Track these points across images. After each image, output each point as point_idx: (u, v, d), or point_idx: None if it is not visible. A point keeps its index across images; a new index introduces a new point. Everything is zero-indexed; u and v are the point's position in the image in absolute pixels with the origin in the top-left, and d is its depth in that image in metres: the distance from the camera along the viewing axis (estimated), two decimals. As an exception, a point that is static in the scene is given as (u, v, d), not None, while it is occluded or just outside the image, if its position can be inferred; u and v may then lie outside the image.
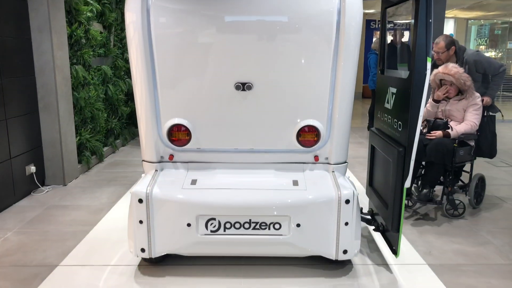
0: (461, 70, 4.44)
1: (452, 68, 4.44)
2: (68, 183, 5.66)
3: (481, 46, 17.66)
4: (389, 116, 3.54)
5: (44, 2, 5.11)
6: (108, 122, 7.27)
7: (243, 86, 3.11)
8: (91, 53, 6.35)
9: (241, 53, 3.06)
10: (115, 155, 7.28)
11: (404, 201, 3.20)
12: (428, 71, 2.94)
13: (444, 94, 4.51)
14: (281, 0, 2.99)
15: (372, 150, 3.94)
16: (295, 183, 3.21)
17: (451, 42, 4.87)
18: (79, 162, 6.14)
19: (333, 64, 3.07)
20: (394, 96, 3.42)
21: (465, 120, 4.44)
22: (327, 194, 3.07)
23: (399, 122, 3.27)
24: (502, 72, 4.83)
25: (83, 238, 3.96)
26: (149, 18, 2.99)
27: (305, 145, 3.26)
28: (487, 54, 13.18)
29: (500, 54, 16.69)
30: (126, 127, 8.16)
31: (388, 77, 3.66)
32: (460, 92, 4.51)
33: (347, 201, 3.04)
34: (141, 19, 2.96)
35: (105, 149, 7.11)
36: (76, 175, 5.93)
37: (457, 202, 4.49)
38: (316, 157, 3.34)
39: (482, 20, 18.32)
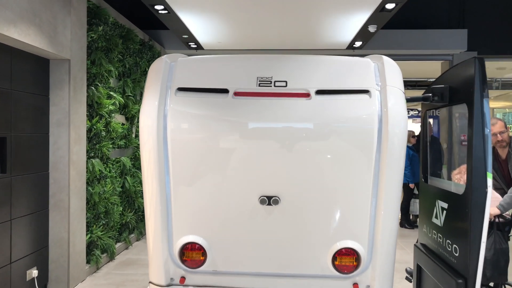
0: None
1: None
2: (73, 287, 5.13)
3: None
4: (439, 235, 3.01)
5: (66, 97, 5.00)
6: (123, 216, 6.88)
7: (269, 200, 2.68)
8: (110, 145, 6.15)
9: (266, 163, 2.68)
10: (128, 252, 6.78)
11: None
12: (490, 188, 2.48)
13: None
14: (312, 105, 2.66)
15: (419, 271, 3.36)
16: (331, 320, 2.64)
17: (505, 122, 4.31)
18: (88, 262, 5.66)
19: (375, 176, 2.65)
20: (444, 212, 2.92)
21: None
22: None
23: (455, 246, 2.74)
24: None
25: None
26: (166, 123, 2.69)
27: (342, 271, 2.73)
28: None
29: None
30: (142, 220, 7.73)
31: (434, 188, 3.20)
32: None
33: None
34: (156, 124, 2.66)
35: (118, 245, 6.64)
36: (83, 278, 5.41)
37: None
38: (356, 285, 2.79)
39: (507, 109, 18.41)
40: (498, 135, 4.18)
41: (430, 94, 3.02)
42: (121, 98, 6.50)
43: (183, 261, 2.80)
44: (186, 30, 7.24)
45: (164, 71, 2.75)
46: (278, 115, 2.68)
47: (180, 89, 2.74)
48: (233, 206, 2.75)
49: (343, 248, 2.72)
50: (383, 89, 2.63)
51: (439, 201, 3.04)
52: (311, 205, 2.71)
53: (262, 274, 2.84)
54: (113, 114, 6.31)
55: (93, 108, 5.75)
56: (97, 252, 5.78)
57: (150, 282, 2.92)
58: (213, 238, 2.79)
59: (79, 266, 5.31)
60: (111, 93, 6.24)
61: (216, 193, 2.74)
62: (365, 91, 2.66)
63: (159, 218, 2.76)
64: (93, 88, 5.64)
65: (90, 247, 5.76)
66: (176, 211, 2.77)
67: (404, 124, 2.60)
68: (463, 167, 2.90)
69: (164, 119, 2.69)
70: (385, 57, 2.75)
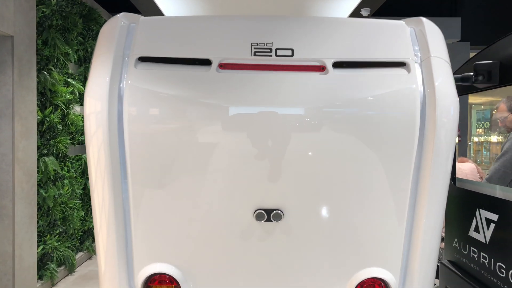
0: None
1: None
2: (18, 312, 4.26)
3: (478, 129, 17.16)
4: (483, 254, 2.34)
5: (8, 82, 4.11)
6: (86, 221, 6.01)
7: (268, 215, 1.94)
8: (68, 141, 5.27)
9: (264, 164, 1.93)
10: (91, 262, 5.92)
11: None
12: None
13: None
14: (327, 83, 1.92)
15: (449, 297, 2.68)
16: None
17: None
18: (40, 277, 4.79)
19: (413, 182, 1.94)
20: (493, 226, 2.25)
21: None
22: None
23: (512, 272, 2.06)
24: None
25: None
26: (122, 107, 1.90)
27: (365, 309, 2.02)
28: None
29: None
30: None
31: (470, 193, 2.52)
32: None
33: None
34: (107, 109, 1.87)
35: (79, 255, 5.78)
36: (33, 298, 4.55)
37: None
38: (382, 327, 2.08)
39: (482, 106, 18.18)
40: (499, 121, 3.56)
41: (472, 73, 2.34)
42: (81, 86, 5.61)
43: (148, 299, 2.03)
44: (158, 12, 6.45)
45: (120, 35, 1.96)
46: (280, 97, 1.92)
47: (142, 59, 1.95)
48: (217, 223, 1.99)
49: (367, 279, 2.00)
50: (426, 61, 1.92)
51: (481, 210, 2.36)
52: (325, 222, 1.98)
53: (257, 313, 2.09)
54: (71, 105, 5.43)
55: (46, 97, 4.87)
56: (52, 266, 4.92)
57: (103, 326, 2.13)
58: (190, 267, 2.02)
59: (28, 284, 4.44)
60: (69, 80, 5.36)
61: (194, 205, 1.97)
62: (401, 64, 1.93)
63: (113, 240, 1.97)
64: (45, 73, 4.76)
65: (44, 260, 4.90)
66: (137, 231, 1.99)
67: (455, 110, 1.90)
68: None
69: (119, 102, 1.90)
70: (425, 20, 2.04)
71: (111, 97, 1.87)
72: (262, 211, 1.94)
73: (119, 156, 1.92)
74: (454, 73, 2.05)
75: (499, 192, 2.34)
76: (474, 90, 2.54)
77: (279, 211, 1.94)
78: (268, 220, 1.94)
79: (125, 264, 2.03)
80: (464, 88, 2.59)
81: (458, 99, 1.91)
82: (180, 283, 2.00)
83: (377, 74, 1.92)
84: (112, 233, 1.97)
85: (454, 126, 1.90)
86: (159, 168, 1.94)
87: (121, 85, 1.90)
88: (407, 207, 1.96)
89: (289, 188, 1.94)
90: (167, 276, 2.01)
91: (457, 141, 3.18)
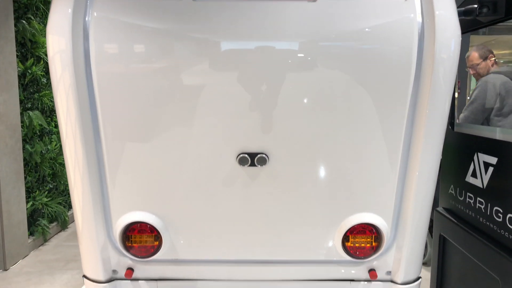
0: None
1: None
2: (10, 266, 4.24)
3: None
4: (479, 199, 2.24)
5: (-17, 31, 3.89)
6: (77, 178, 5.92)
7: (252, 159, 1.81)
8: (54, 95, 5.07)
9: (248, 105, 1.77)
10: (84, 219, 5.88)
11: None
12: None
13: None
14: (316, 12, 1.73)
15: (443, 244, 2.61)
16: (341, 322, 1.86)
17: (487, 51, 3.61)
18: (32, 234, 4.75)
19: (409, 122, 1.80)
20: (491, 169, 2.13)
21: None
22: None
23: (510, 216, 1.97)
24: None
25: None
26: (88, 44, 1.72)
27: (355, 255, 1.94)
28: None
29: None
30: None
31: (470, 137, 2.39)
32: None
33: None
34: (72, 47, 1.69)
35: (71, 212, 5.73)
36: (25, 253, 4.52)
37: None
38: (373, 272, 2.01)
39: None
40: (470, 69, 3.56)
41: (476, 6, 2.14)
42: (64, 37, 5.34)
43: (128, 248, 1.93)
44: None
45: None
46: (263, 29, 1.74)
47: (110, -13, 1.74)
48: (198, 168, 1.86)
49: (358, 224, 1.91)
50: None
51: (480, 154, 2.24)
52: (313, 166, 1.85)
53: (244, 261, 2.01)
54: (55, 57, 5.19)
55: (26, 48, 4.64)
56: (43, 222, 4.87)
57: (84, 277, 2.06)
58: (171, 216, 1.92)
59: (19, 240, 4.40)
60: (51, 30, 5.09)
61: (174, 150, 1.83)
62: (397, -10, 1.74)
63: (87, 187, 1.85)
64: (24, 22, 4.50)
65: (34, 216, 4.84)
66: (113, 178, 1.86)
67: (456, 46, 1.72)
68: None
69: (84, 38, 1.72)
70: None
71: (75, 32, 1.69)
72: (246, 155, 1.80)
73: (88, 100, 1.76)
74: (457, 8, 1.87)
75: (500, 134, 2.20)
76: (478, 26, 2.35)
77: (263, 155, 1.81)
78: (252, 164, 1.82)
79: (102, 215, 1.92)
80: (466, 24, 2.40)
81: (460, 33, 1.73)
82: (160, 232, 1.90)
83: (370, 2, 1.73)
84: (86, 184, 1.85)
85: (454, 64, 1.74)
86: (133, 113, 1.78)
87: (86, 18, 1.71)
88: (401, 151, 1.82)
89: (275, 131, 1.80)
90: (148, 226, 1.91)
91: (456, 94, 3.06)
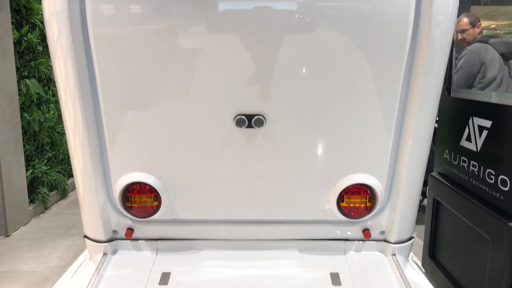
0: None
1: None
2: (12, 233, 4.32)
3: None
4: (473, 163, 2.28)
5: (-24, -4, 3.83)
6: (76, 147, 5.95)
7: (250, 121, 1.83)
8: (51, 64, 5.04)
9: (245, 66, 1.77)
10: (84, 188, 5.94)
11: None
12: None
13: None
14: None
15: (437, 207, 2.67)
16: (335, 279, 1.93)
17: (476, 18, 3.66)
18: (32, 201, 4.81)
19: (404, 84, 1.81)
20: (485, 132, 2.16)
21: None
22: (393, 305, 1.80)
23: (503, 177, 2.01)
24: None
25: None
26: (84, 4, 1.71)
27: (350, 215, 1.98)
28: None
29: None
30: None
31: (466, 101, 2.41)
32: None
33: (427, 317, 1.77)
34: (68, 8, 1.68)
35: (70, 181, 5.78)
36: (26, 220, 4.59)
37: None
38: (367, 232, 2.07)
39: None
40: (459, 34, 3.62)
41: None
42: (59, 5, 5.26)
43: (127, 208, 1.98)
44: None
45: None
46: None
47: None
48: (197, 130, 1.88)
49: (352, 185, 1.95)
50: None
51: (475, 118, 2.26)
52: (309, 127, 1.88)
53: (241, 221, 2.06)
54: (50, 24, 5.12)
55: (21, 15, 4.58)
56: (43, 190, 4.92)
57: (85, 237, 2.11)
58: (169, 177, 1.95)
59: (20, 207, 4.46)
60: (46, -3, 5.01)
61: (172, 112, 1.85)
62: None
63: (87, 149, 1.87)
64: (18, -13, 4.43)
65: (34, 184, 4.89)
66: (112, 139, 1.89)
67: (453, 8, 1.72)
68: None
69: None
70: None
71: None
72: (243, 117, 1.82)
73: (87, 63, 1.76)
74: None
75: (495, 98, 2.22)
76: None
77: (260, 117, 1.83)
78: (250, 126, 1.84)
79: (102, 177, 1.95)
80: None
81: None
82: (159, 192, 1.94)
83: None
84: (86, 146, 1.87)
85: (451, 27, 1.73)
86: (131, 75, 1.79)
87: (82, -24, 1.69)
88: (396, 113, 1.84)
89: (271, 93, 1.82)
90: (147, 187, 1.95)
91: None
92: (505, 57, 3.30)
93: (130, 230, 2.06)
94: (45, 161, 5.05)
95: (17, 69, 4.48)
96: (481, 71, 3.28)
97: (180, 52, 1.76)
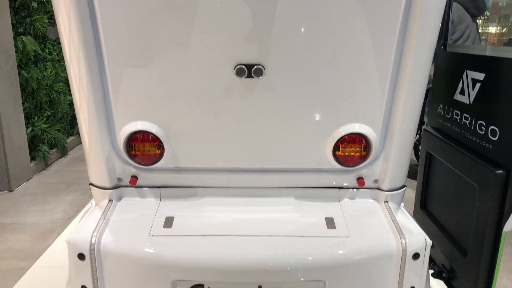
0: None
1: None
2: (15, 188, 4.42)
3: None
4: (465, 115, 2.35)
5: None
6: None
7: (249, 70, 1.88)
8: (46, 20, 4.99)
9: (244, 16, 1.81)
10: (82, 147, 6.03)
11: (502, 252, 2.05)
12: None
13: None
14: None
15: (430, 160, 2.77)
16: (330, 223, 2.04)
17: None
18: (33, 158, 4.90)
19: (400, 37, 1.85)
20: (478, 85, 2.22)
21: None
22: (384, 245, 1.91)
23: (492, 127, 2.09)
24: None
25: (15, 285, 2.77)
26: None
27: (345, 163, 2.07)
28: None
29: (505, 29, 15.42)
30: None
31: (461, 55, 2.46)
32: None
33: (416, 256, 1.89)
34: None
35: (70, 139, 5.85)
36: (28, 176, 4.69)
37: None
38: (361, 180, 2.16)
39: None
40: None
41: None
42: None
43: (132, 156, 2.05)
44: None
45: None
46: None
47: None
48: (197, 80, 1.93)
49: (348, 134, 2.02)
50: None
51: (468, 71, 2.32)
52: (307, 78, 1.93)
53: (241, 170, 2.15)
54: (45, -20, 5.05)
55: (15, -31, 4.50)
56: (43, 147, 4.99)
57: (90, 184, 2.20)
58: (172, 125, 2.01)
59: (22, 164, 4.55)
60: (39, -49, 4.91)
61: (173, 62, 1.89)
62: None
63: (91, 98, 1.93)
64: None
65: (34, 141, 4.95)
66: (116, 88, 1.94)
67: None
68: None
69: None
70: None
71: None
72: (243, 67, 1.87)
73: (89, 13, 1.79)
74: None
75: (489, 51, 2.27)
76: None
77: (260, 66, 1.87)
78: (249, 76, 1.89)
79: (106, 126, 2.01)
80: None
81: None
82: (162, 141, 2.01)
83: None
84: (89, 92, 1.92)
85: None
86: (134, 27, 1.82)
87: None
88: (392, 64, 1.89)
89: (271, 42, 1.85)
90: (150, 136, 2.01)
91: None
92: (473, 15, 3.33)
93: (134, 178, 2.14)
94: (44, 119, 5.09)
95: (13, 26, 4.44)
96: (451, 28, 3.30)
97: (181, 2, 1.79)
